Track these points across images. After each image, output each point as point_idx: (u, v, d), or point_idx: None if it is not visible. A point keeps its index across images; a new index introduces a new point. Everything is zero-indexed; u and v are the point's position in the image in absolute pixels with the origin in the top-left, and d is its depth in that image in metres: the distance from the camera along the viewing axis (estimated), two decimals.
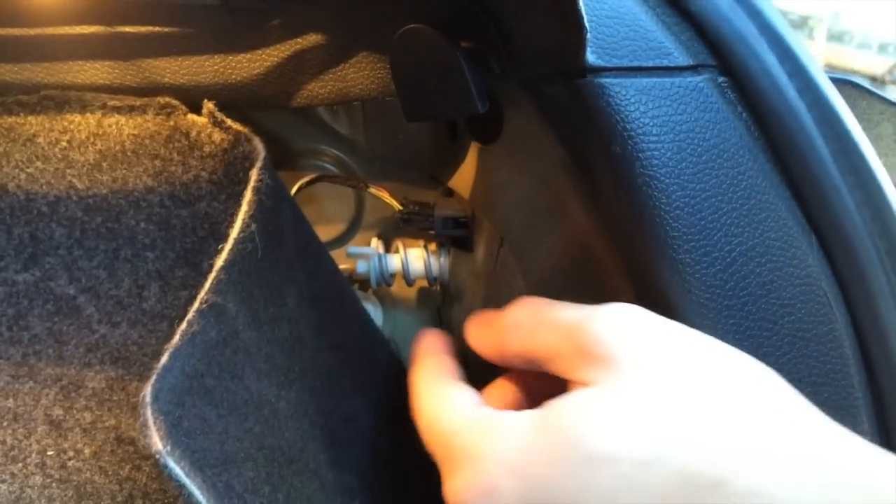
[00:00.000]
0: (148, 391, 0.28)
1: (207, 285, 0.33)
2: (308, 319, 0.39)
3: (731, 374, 0.30)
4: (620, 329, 0.31)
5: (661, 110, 0.35)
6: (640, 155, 0.34)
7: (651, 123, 0.34)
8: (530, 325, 0.34)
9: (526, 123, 0.41)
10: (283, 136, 0.56)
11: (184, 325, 0.31)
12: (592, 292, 0.40)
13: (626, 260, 0.37)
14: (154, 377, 0.29)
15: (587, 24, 0.32)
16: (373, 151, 0.55)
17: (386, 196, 0.51)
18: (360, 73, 0.43)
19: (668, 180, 0.34)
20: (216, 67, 0.45)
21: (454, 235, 0.49)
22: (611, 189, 0.36)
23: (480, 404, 0.34)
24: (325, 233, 0.56)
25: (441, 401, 0.34)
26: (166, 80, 0.46)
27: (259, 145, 0.42)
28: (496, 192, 0.45)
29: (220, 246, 0.35)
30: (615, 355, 0.30)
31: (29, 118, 0.46)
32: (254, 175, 0.39)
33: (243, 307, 0.35)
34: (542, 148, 0.40)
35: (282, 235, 0.40)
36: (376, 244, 0.54)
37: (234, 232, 0.36)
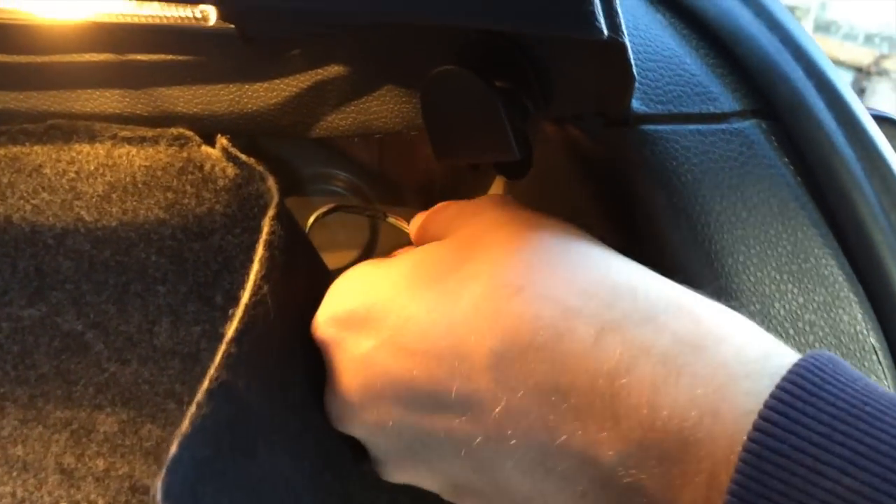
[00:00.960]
0: (158, 487, 0.27)
1: (217, 359, 0.31)
2: (320, 377, 0.37)
3: (558, 225, 0.33)
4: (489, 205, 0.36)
5: (708, 158, 0.33)
6: (686, 207, 0.33)
7: (698, 172, 0.33)
8: (450, 212, 0.39)
9: (556, 160, 0.40)
10: (293, 160, 0.54)
11: (193, 409, 0.30)
12: None
13: None
14: (164, 471, 0.27)
15: (636, 73, 0.30)
16: (389, 177, 0.53)
17: (405, 226, 0.49)
18: (384, 107, 0.41)
19: (717, 234, 0.33)
20: (232, 97, 0.44)
21: None
22: (654, 239, 0.34)
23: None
24: (337, 259, 0.55)
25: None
26: (179, 109, 0.44)
27: (273, 187, 0.41)
28: None
29: (231, 311, 0.33)
30: (474, 221, 0.35)
31: (35, 148, 0.44)
32: (266, 226, 0.37)
33: (255, 378, 0.34)
34: (572, 186, 0.39)
35: (295, 289, 0.39)
36: None
37: (246, 296, 0.34)
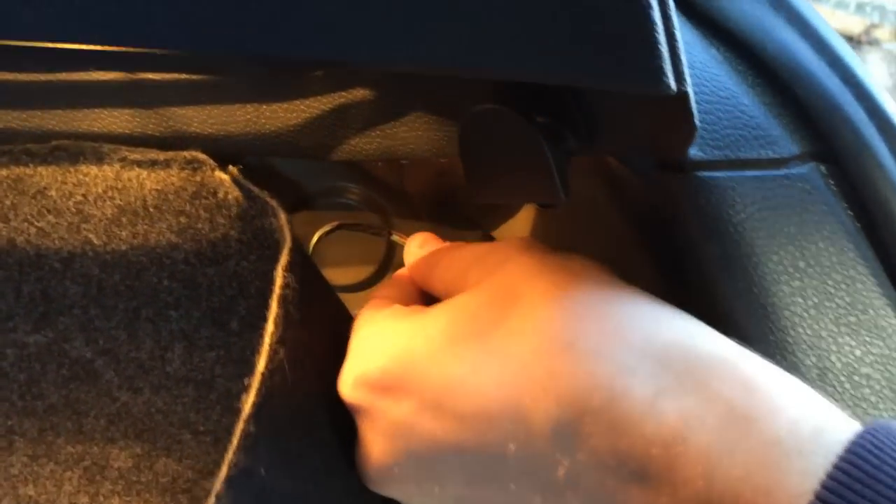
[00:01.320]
0: None
1: (235, 442, 0.30)
2: (346, 435, 0.36)
3: (598, 274, 0.32)
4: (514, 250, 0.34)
5: (766, 206, 0.32)
6: (741, 258, 0.31)
7: (755, 221, 0.31)
8: (455, 258, 0.37)
9: (595, 193, 0.38)
10: (305, 172, 0.52)
11: (212, 500, 0.28)
12: None
13: None
14: None
15: (697, 122, 0.29)
16: (407, 191, 0.51)
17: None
18: (413, 133, 0.39)
19: (774, 286, 0.31)
20: (248, 117, 0.41)
21: None
22: (704, 291, 0.32)
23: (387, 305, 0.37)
24: (351, 276, 0.53)
25: (365, 309, 0.38)
26: (193, 129, 0.41)
27: (285, 226, 0.38)
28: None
29: (246, 381, 0.31)
30: (503, 269, 0.33)
31: (39, 169, 0.42)
32: (279, 277, 0.35)
33: (275, 455, 0.32)
34: (612, 223, 0.37)
35: (315, 343, 0.37)
36: None
37: (261, 363, 0.32)
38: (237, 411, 0.43)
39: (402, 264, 0.53)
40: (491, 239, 0.48)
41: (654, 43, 0.25)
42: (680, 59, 0.26)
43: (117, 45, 0.23)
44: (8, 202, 0.42)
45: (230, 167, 0.41)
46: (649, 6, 0.25)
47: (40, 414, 0.43)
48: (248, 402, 0.31)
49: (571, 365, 0.28)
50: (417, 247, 0.42)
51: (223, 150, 0.42)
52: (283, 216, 0.39)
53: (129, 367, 0.45)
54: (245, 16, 0.24)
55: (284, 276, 0.35)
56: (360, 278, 0.54)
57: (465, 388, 0.30)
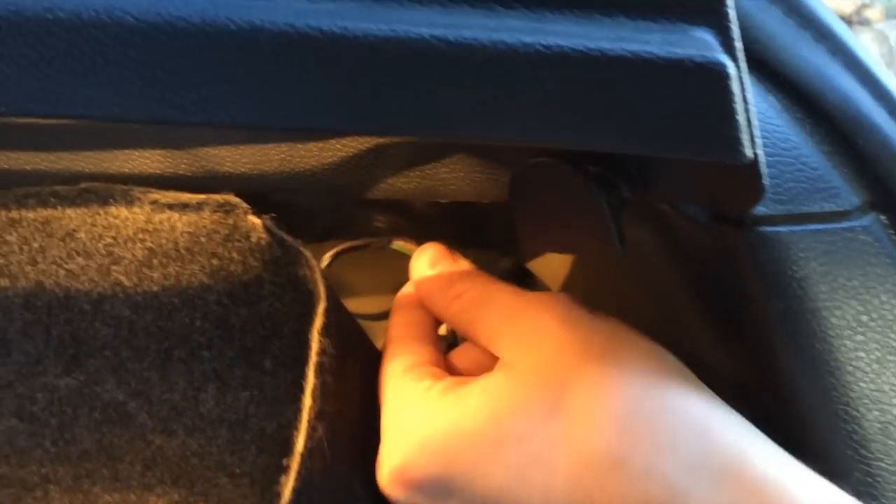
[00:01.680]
0: None
1: None
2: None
3: (644, 367, 0.31)
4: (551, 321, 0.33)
5: (830, 259, 0.31)
6: (807, 314, 0.31)
7: (818, 276, 0.31)
8: (475, 299, 0.36)
9: (641, 235, 0.37)
10: (322, 204, 0.51)
11: None
12: None
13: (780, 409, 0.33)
14: None
15: (767, 185, 0.28)
16: (433, 216, 0.50)
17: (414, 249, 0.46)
18: (454, 175, 0.38)
19: (837, 342, 0.31)
20: (283, 156, 0.40)
21: None
22: (764, 343, 0.32)
23: (412, 368, 0.35)
24: (375, 304, 0.52)
25: (389, 363, 0.37)
26: (225, 168, 0.41)
27: (320, 282, 0.37)
28: (601, 302, 0.41)
29: (286, 461, 0.30)
30: (543, 346, 0.32)
31: (68, 211, 0.41)
32: (314, 342, 0.34)
33: None
34: (660, 270, 0.37)
35: (350, 409, 0.36)
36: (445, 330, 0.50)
37: (300, 443, 0.31)
38: (272, 453, 0.43)
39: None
40: (524, 271, 0.47)
41: (733, 114, 0.24)
42: (753, 125, 0.25)
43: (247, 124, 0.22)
44: (36, 245, 0.41)
45: (263, 215, 0.40)
46: (728, 77, 0.24)
47: (74, 460, 0.43)
48: (288, 486, 0.30)
49: (624, 485, 0.28)
50: (428, 266, 0.41)
51: (257, 189, 0.41)
52: (318, 272, 0.38)
53: (163, 408, 0.44)
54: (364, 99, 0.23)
55: (321, 342, 0.34)
56: (384, 308, 0.53)
57: (511, 497, 0.29)
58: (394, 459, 0.33)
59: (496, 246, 0.50)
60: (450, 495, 0.31)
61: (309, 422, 0.32)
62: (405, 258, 0.47)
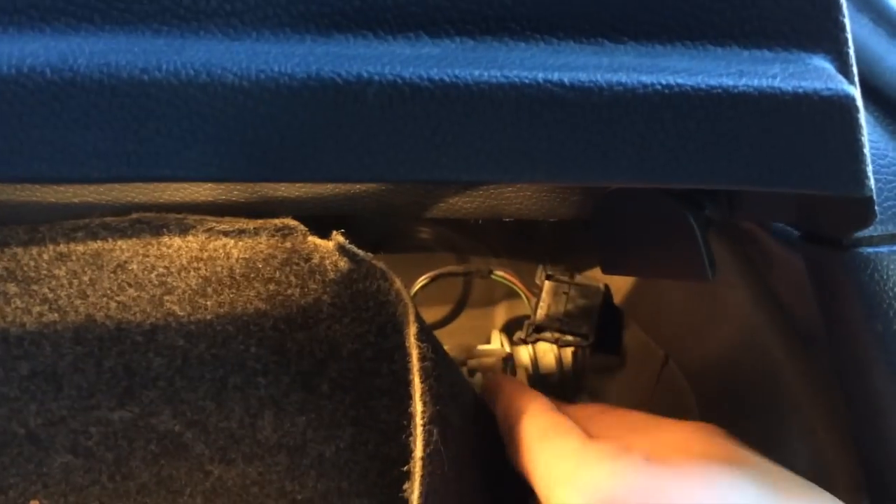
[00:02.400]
0: None
1: None
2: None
3: None
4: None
5: None
6: None
7: None
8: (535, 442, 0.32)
9: (724, 264, 0.36)
10: (373, 216, 0.50)
11: None
12: (772, 420, 0.37)
13: (863, 442, 0.33)
14: None
15: (876, 210, 0.27)
16: (479, 226, 0.49)
17: (514, 281, 0.45)
18: (520, 195, 0.37)
19: None
20: None
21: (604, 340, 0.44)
22: (863, 366, 0.31)
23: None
24: (427, 317, 0.51)
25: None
26: (280, 193, 0.39)
27: (402, 291, 0.36)
28: (668, 313, 0.40)
29: (406, 468, 0.30)
30: None
31: (119, 243, 0.40)
32: (414, 348, 0.33)
33: None
34: (739, 289, 0.36)
35: (454, 417, 0.35)
36: (500, 339, 0.49)
37: (418, 448, 0.30)
38: (331, 478, 0.42)
39: (478, 301, 0.52)
40: (567, 269, 0.46)
41: (861, 147, 0.23)
42: (869, 157, 0.24)
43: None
44: (86, 278, 0.40)
45: (334, 234, 0.38)
46: (857, 110, 0.23)
47: (133, 495, 0.42)
48: (415, 493, 0.29)
49: None
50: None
51: (313, 212, 0.40)
52: (397, 281, 0.37)
53: (220, 437, 0.43)
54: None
55: (420, 347, 0.33)
56: (438, 316, 0.52)
57: None
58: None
59: (544, 254, 0.49)
60: None
61: (424, 426, 0.31)
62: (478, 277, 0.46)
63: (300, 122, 0.21)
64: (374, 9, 0.23)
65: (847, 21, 0.24)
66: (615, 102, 0.22)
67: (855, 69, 0.25)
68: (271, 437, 0.43)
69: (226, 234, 0.39)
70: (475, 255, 0.50)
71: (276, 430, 0.43)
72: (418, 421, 0.32)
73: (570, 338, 0.43)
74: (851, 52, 0.24)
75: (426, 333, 0.35)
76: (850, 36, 0.24)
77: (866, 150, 0.23)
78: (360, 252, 0.38)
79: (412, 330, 0.35)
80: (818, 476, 0.35)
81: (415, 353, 0.34)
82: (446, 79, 0.22)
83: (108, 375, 0.42)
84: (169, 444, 0.42)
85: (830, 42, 0.24)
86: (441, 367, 0.35)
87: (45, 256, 0.39)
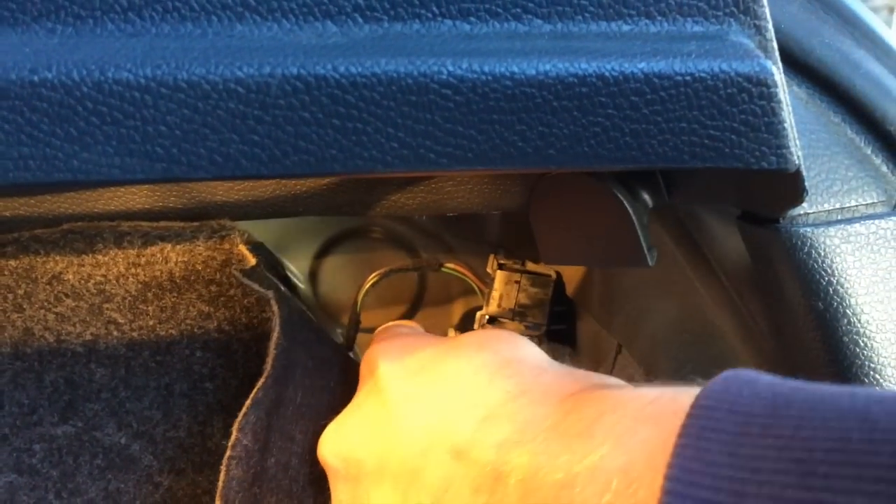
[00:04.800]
0: None
1: None
2: None
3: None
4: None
5: (869, 253, 0.30)
6: (847, 311, 0.30)
7: (858, 269, 0.30)
8: None
9: (661, 239, 0.36)
10: (324, 219, 0.49)
11: None
12: None
13: None
14: None
15: (807, 186, 0.26)
16: (441, 227, 0.49)
17: (466, 272, 0.44)
18: (461, 188, 0.36)
19: (878, 335, 0.30)
20: (276, 180, 0.38)
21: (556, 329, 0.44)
22: (808, 342, 0.31)
23: None
24: (384, 317, 0.50)
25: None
26: (218, 198, 0.38)
27: (272, 344, 0.36)
28: (618, 301, 0.40)
29: None
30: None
31: (52, 255, 0.39)
32: (233, 434, 0.34)
33: None
34: (681, 270, 0.35)
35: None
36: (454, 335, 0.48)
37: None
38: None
39: (434, 298, 0.51)
40: (517, 257, 0.45)
41: (782, 122, 0.23)
42: (794, 129, 0.24)
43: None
44: (21, 291, 0.39)
45: (232, 270, 0.38)
46: (776, 86, 0.22)
47: None
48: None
49: None
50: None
51: (252, 215, 0.39)
52: (277, 323, 0.36)
53: (168, 447, 0.42)
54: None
55: (237, 436, 0.33)
56: (394, 315, 0.51)
57: None
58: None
59: (493, 242, 0.48)
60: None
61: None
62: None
63: (201, 118, 0.21)
64: None
65: None
66: (527, 92, 0.22)
67: (774, 44, 0.24)
68: (221, 444, 0.42)
69: (162, 238, 0.39)
70: (427, 251, 0.49)
71: (226, 435, 0.42)
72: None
73: (522, 328, 0.42)
74: (769, 26, 0.24)
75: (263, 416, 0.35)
76: (766, 10, 0.24)
77: (788, 126, 0.23)
78: (255, 285, 0.37)
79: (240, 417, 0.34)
80: None
81: (232, 438, 0.34)
82: (352, 70, 0.21)
83: (50, 390, 0.41)
84: (116, 458, 0.41)
85: (747, 15, 0.24)
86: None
87: None
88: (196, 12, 0.22)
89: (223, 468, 0.33)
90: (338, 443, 0.34)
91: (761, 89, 0.22)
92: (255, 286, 0.37)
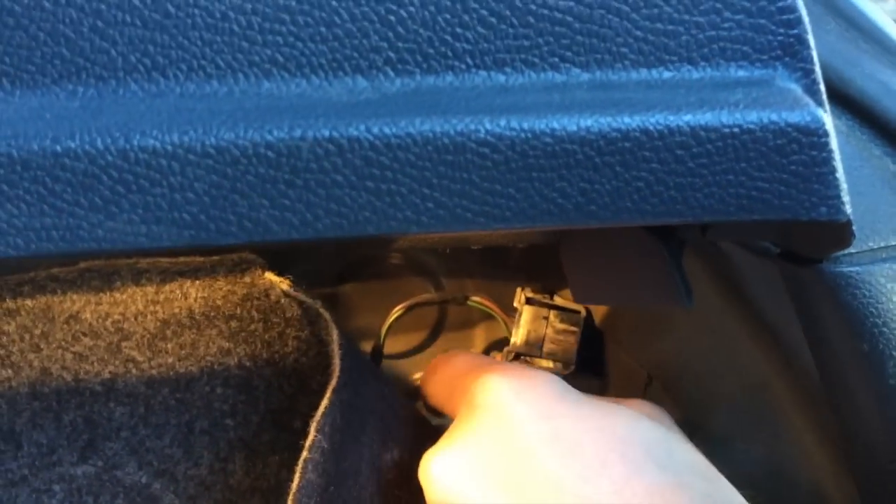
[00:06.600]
0: None
1: None
2: None
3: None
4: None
5: None
6: (894, 353, 0.29)
7: None
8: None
9: (694, 272, 0.35)
10: (342, 244, 0.48)
11: None
12: (763, 438, 0.36)
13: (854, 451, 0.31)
14: None
15: (854, 230, 0.25)
16: (461, 253, 0.48)
17: (491, 306, 0.43)
18: None
19: None
20: None
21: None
22: (854, 385, 0.30)
23: None
24: (404, 342, 0.49)
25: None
26: None
27: (336, 352, 0.35)
28: (647, 333, 0.39)
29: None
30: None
31: (69, 294, 0.38)
32: (311, 434, 0.32)
33: None
34: (715, 304, 0.34)
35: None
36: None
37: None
38: None
39: (454, 325, 0.50)
40: (546, 292, 0.44)
41: (833, 173, 0.22)
42: (844, 181, 0.23)
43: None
44: (38, 331, 0.38)
45: (281, 280, 0.37)
46: (827, 136, 0.22)
47: None
48: None
49: None
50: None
51: (268, 246, 0.38)
52: (335, 333, 0.35)
53: (190, 486, 0.41)
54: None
55: (315, 435, 0.32)
56: (413, 343, 0.50)
57: None
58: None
59: (519, 272, 0.47)
60: None
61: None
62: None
63: (230, 184, 0.20)
64: (306, 54, 0.21)
65: (811, 38, 0.23)
66: (568, 148, 0.21)
67: (822, 88, 0.23)
68: (243, 480, 0.42)
69: (181, 273, 0.38)
70: (449, 278, 0.48)
71: (248, 473, 0.42)
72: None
73: (550, 364, 0.41)
74: (817, 69, 0.23)
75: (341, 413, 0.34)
76: (815, 53, 0.23)
77: (840, 175, 0.22)
78: (307, 299, 0.36)
79: (319, 410, 0.33)
80: (816, 496, 0.34)
81: (308, 439, 0.32)
82: (386, 130, 0.20)
83: (69, 429, 0.40)
84: (137, 497, 0.41)
85: (794, 58, 0.23)
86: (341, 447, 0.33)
87: None
88: (222, 70, 0.21)
89: (298, 471, 0.32)
90: (447, 469, 0.30)
91: (812, 139, 0.21)
92: (303, 296, 0.36)
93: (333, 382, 0.33)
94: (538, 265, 0.46)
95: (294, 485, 0.31)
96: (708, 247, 0.34)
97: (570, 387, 0.30)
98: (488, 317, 0.47)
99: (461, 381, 0.33)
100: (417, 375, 0.49)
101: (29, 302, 0.38)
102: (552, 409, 0.29)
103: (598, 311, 0.42)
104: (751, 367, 0.35)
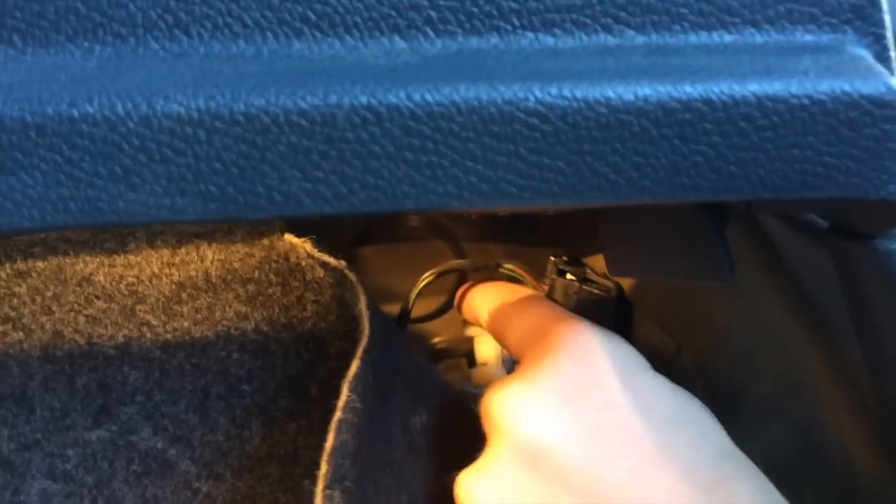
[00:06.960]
0: None
1: None
2: None
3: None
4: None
5: None
6: None
7: None
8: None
9: (738, 245, 0.34)
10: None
11: None
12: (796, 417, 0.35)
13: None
14: None
15: None
16: (482, 216, 0.46)
17: (523, 274, 0.42)
18: None
19: None
20: None
21: None
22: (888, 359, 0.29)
23: None
24: (422, 306, 0.48)
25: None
26: None
27: (364, 313, 0.33)
28: (679, 303, 0.38)
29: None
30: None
31: (81, 255, 0.37)
32: (343, 394, 0.31)
33: None
34: (757, 276, 0.33)
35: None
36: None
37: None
38: None
39: None
40: (579, 263, 0.43)
41: None
42: None
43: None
44: (49, 293, 0.37)
45: (303, 241, 0.35)
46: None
47: None
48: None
49: None
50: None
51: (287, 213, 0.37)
52: (363, 298, 0.34)
53: (206, 452, 0.40)
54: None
55: (349, 395, 0.31)
56: (433, 306, 0.49)
57: None
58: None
59: (547, 239, 0.46)
60: None
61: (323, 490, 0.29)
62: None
63: (260, 154, 0.18)
64: (340, 11, 0.20)
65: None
66: (624, 119, 0.19)
67: (893, 54, 0.21)
68: (260, 447, 0.41)
69: (198, 235, 0.36)
70: (469, 241, 0.47)
71: (265, 439, 0.41)
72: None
73: None
74: (890, 34, 0.21)
75: (378, 348, 0.33)
76: (886, 16, 0.21)
77: None
78: (332, 260, 0.35)
79: (351, 370, 0.32)
80: (848, 478, 0.33)
81: (341, 399, 0.31)
82: (428, 98, 0.18)
83: (82, 393, 0.39)
84: (152, 463, 0.40)
85: (865, 22, 0.21)
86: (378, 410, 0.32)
87: (3, 274, 0.36)
88: (249, 28, 0.19)
89: (332, 430, 0.31)
90: (528, 400, 0.30)
91: (886, 111, 0.20)
92: (327, 258, 0.35)
93: (364, 342, 0.32)
94: (567, 231, 0.44)
95: (328, 445, 0.30)
96: (746, 218, 0.32)
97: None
98: (509, 278, 0.45)
99: (542, 325, 0.32)
100: (438, 339, 0.48)
101: (40, 263, 0.36)
102: (635, 367, 0.30)
103: (628, 280, 0.40)
104: (789, 342, 0.34)
